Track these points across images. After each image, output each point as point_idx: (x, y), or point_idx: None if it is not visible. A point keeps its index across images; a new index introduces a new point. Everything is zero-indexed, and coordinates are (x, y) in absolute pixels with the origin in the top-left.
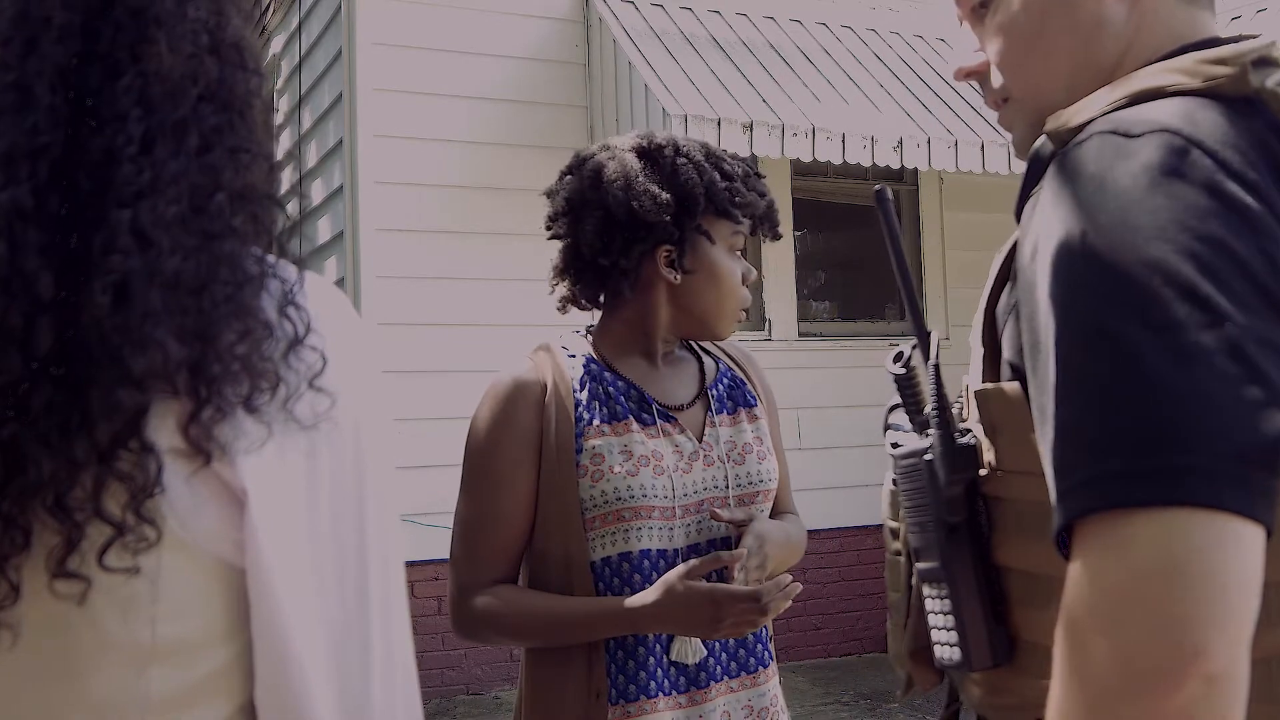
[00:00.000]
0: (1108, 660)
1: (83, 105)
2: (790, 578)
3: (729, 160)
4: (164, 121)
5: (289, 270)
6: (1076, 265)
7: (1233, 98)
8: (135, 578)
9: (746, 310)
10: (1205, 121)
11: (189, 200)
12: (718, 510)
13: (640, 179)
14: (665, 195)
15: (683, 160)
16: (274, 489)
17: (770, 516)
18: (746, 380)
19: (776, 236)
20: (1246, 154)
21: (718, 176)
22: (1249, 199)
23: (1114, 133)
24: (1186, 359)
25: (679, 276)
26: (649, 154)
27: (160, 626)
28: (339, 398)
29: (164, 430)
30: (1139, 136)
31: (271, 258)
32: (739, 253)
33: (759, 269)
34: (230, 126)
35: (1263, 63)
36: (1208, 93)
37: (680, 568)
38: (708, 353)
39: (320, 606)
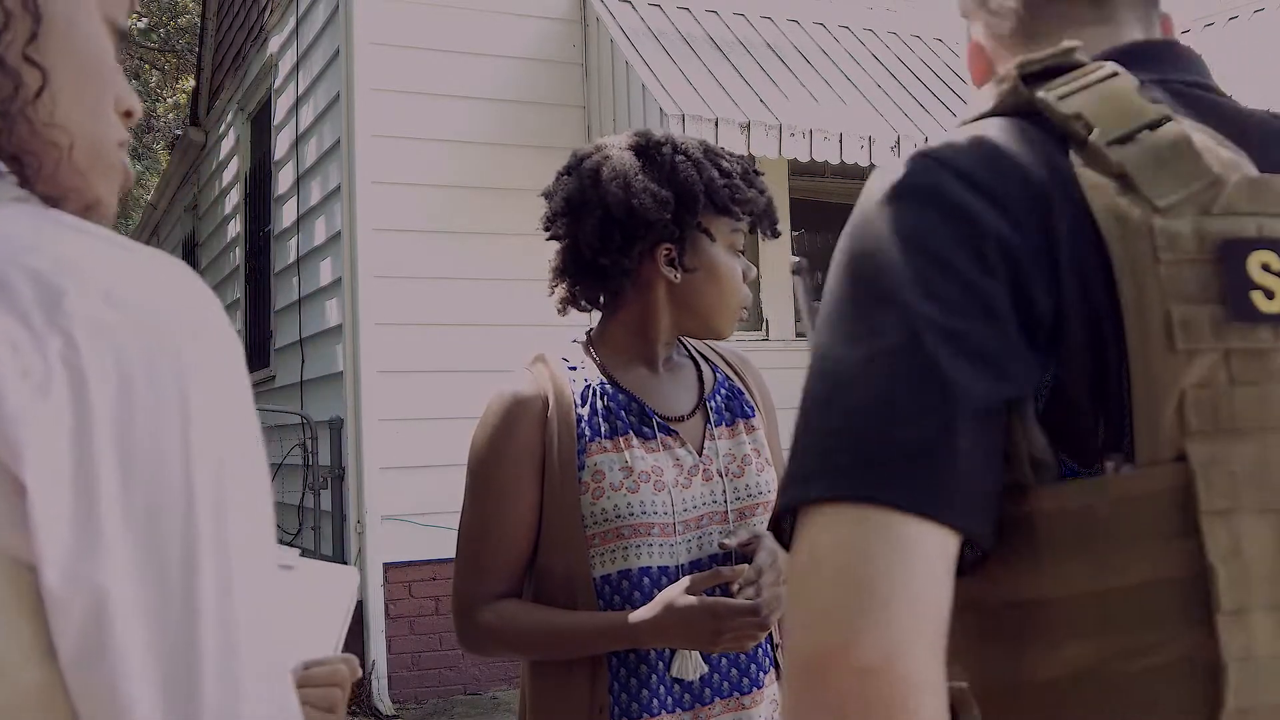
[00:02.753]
0: (787, 652)
1: None
2: (786, 589)
3: (727, 157)
4: None
5: (39, 220)
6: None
7: (1023, 112)
8: None
9: (747, 309)
10: (961, 142)
11: None
12: (725, 540)
13: (639, 177)
14: (665, 193)
15: (681, 158)
16: (57, 475)
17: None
18: (744, 389)
19: (775, 234)
20: (993, 170)
21: (716, 174)
22: (974, 210)
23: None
24: (867, 362)
25: (679, 275)
26: (647, 152)
27: None
28: (142, 373)
29: None
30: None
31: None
32: (739, 251)
33: (756, 269)
34: None
35: (1050, 72)
36: (1000, 111)
37: (680, 582)
38: (706, 360)
39: (133, 617)
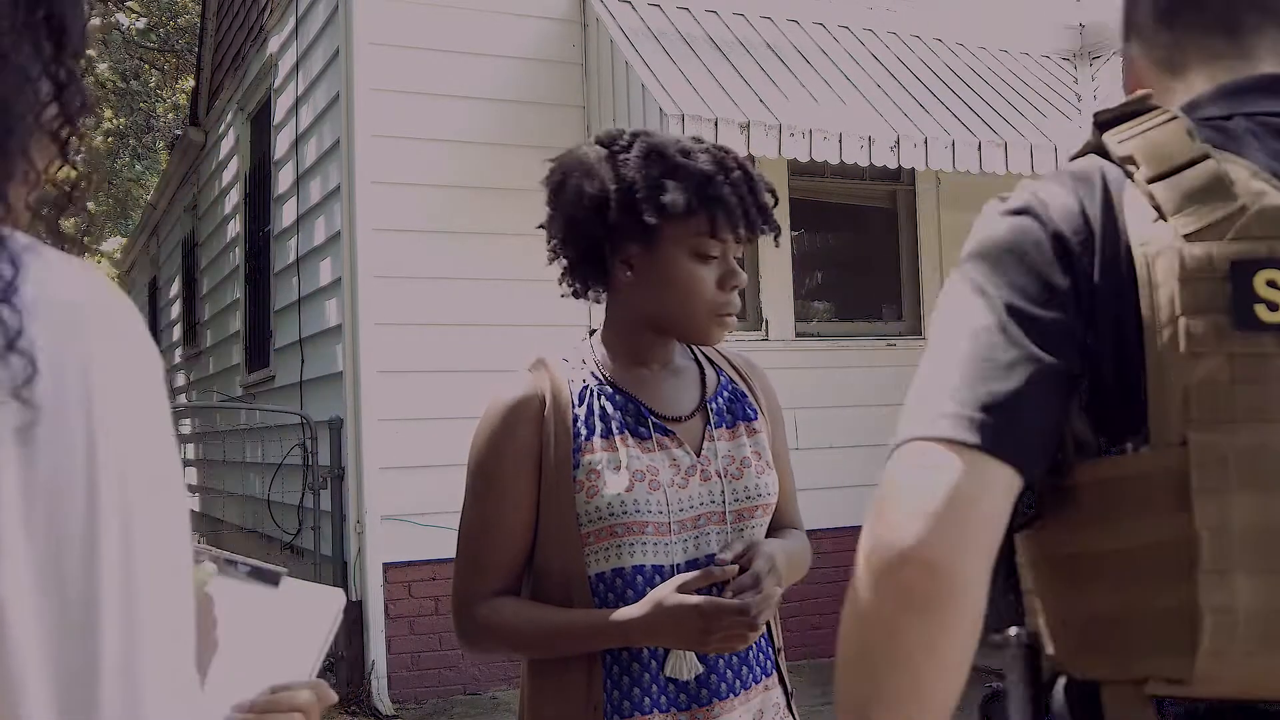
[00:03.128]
0: (860, 553)
1: None
2: (779, 592)
3: (682, 158)
4: None
5: (7, 240)
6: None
7: (1100, 151)
8: None
9: (728, 315)
10: (1047, 183)
11: None
12: (721, 556)
13: (575, 176)
14: (592, 191)
15: (624, 156)
16: None
17: (773, 530)
18: (749, 393)
19: (750, 239)
20: (1060, 204)
21: (655, 173)
22: (1048, 232)
23: None
24: (961, 336)
25: (630, 275)
26: (608, 148)
27: None
28: (52, 389)
29: None
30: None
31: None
32: (711, 256)
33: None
34: None
35: (1123, 118)
36: (1086, 151)
37: (671, 581)
38: (711, 362)
39: (29, 632)
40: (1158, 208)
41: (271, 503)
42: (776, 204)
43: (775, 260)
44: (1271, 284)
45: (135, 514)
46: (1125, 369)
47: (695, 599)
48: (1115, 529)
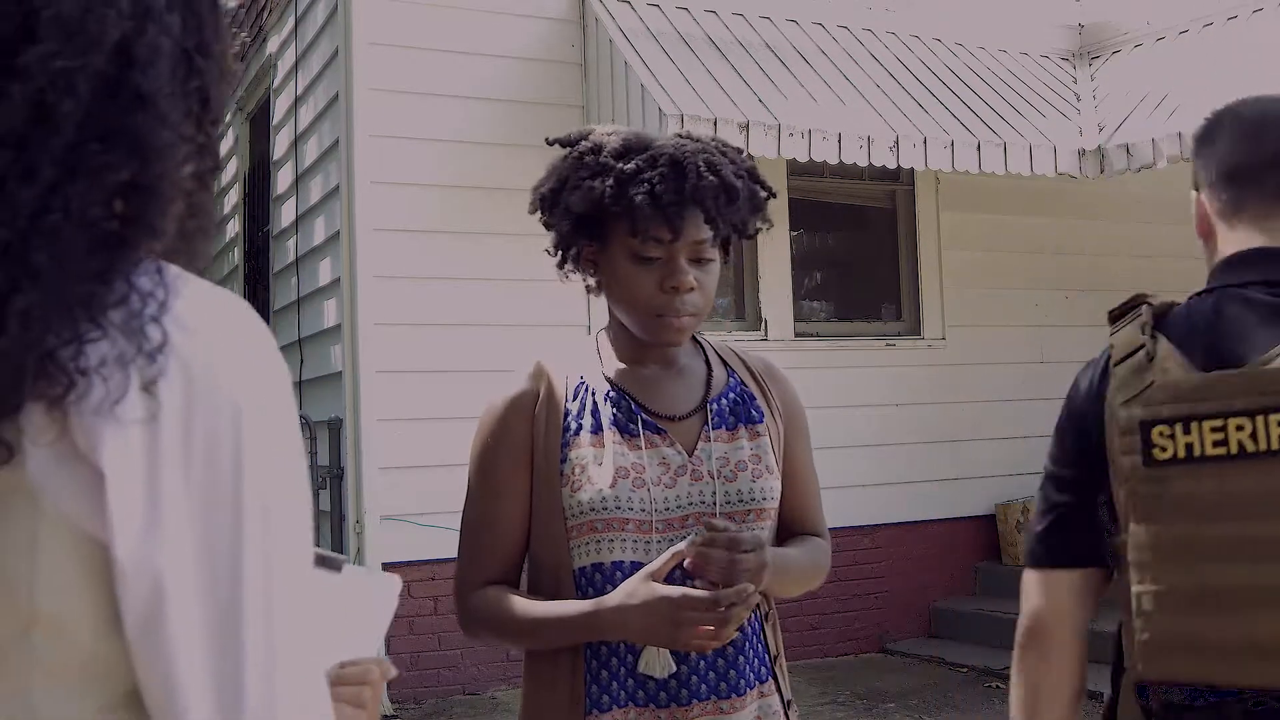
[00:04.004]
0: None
1: None
2: (752, 587)
3: (631, 156)
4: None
5: (163, 271)
6: None
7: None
8: (14, 548)
9: (671, 317)
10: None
11: (27, 221)
12: (712, 523)
13: (542, 178)
14: (544, 191)
15: (576, 156)
16: (130, 473)
17: (790, 537)
18: (760, 396)
19: (672, 240)
20: (1081, 382)
21: (582, 176)
22: (1070, 406)
23: None
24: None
25: (590, 281)
26: (567, 147)
27: (40, 596)
28: (202, 386)
29: (29, 414)
30: None
31: (154, 261)
32: (651, 258)
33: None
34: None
35: (1122, 315)
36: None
37: (642, 571)
38: (724, 363)
39: (188, 604)
40: (1116, 384)
41: None
42: (761, 197)
43: (774, 260)
44: (1161, 434)
45: (272, 501)
46: (1107, 488)
47: (666, 588)
48: (1119, 578)
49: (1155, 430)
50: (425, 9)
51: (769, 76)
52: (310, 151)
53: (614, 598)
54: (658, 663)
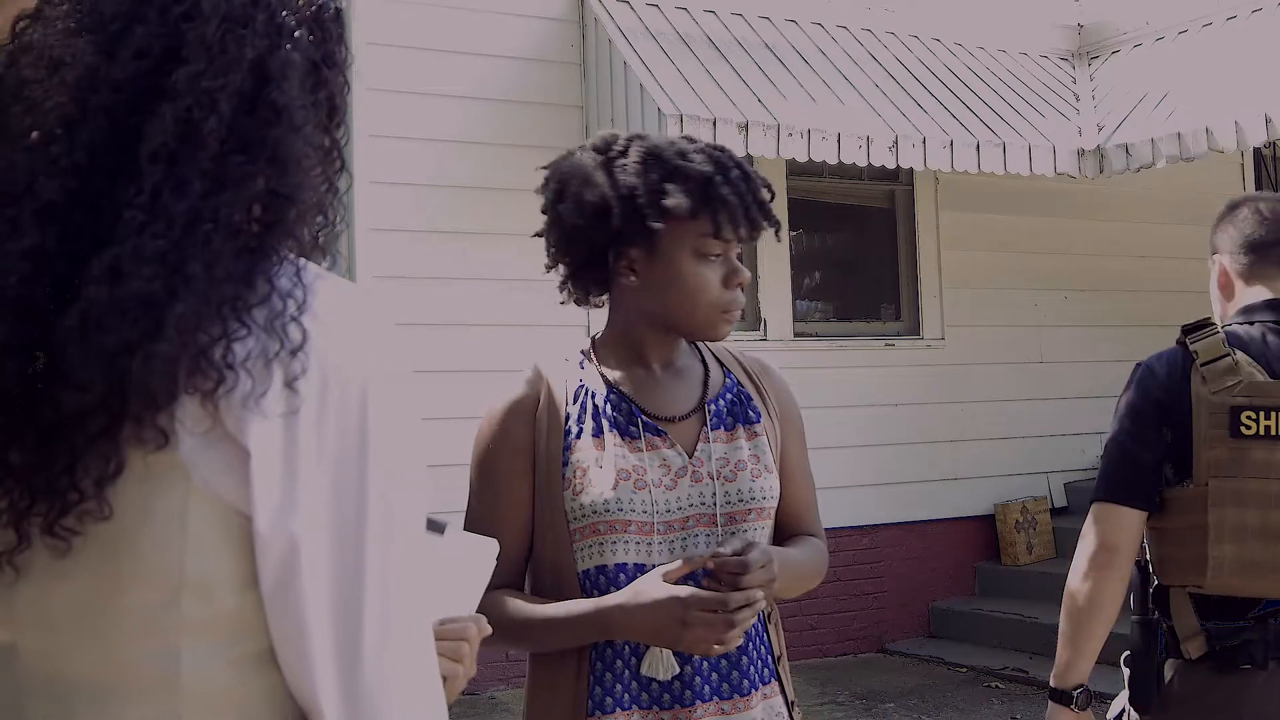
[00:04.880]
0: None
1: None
2: (760, 593)
3: (679, 159)
4: (177, 173)
5: (302, 271)
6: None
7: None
8: (168, 519)
9: (734, 311)
10: (1156, 361)
11: (182, 231)
12: (719, 549)
13: (574, 183)
14: (591, 199)
15: (622, 161)
16: (272, 454)
17: (788, 537)
18: (756, 396)
19: (751, 238)
20: (1161, 371)
21: (655, 177)
22: (1150, 390)
23: None
24: (1114, 443)
25: (635, 280)
26: (601, 154)
27: (189, 561)
28: (335, 378)
29: (184, 405)
30: None
31: (292, 261)
32: (714, 255)
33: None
34: (252, 156)
35: (1195, 329)
36: (1178, 342)
37: (653, 572)
38: (720, 363)
39: (318, 566)
40: (1203, 379)
41: None
42: (773, 199)
43: (774, 260)
44: (1250, 417)
45: (394, 478)
46: (1184, 451)
47: (676, 587)
48: (1183, 518)
49: (1244, 414)
50: (424, 9)
51: (768, 76)
52: None
53: (621, 596)
54: (661, 664)
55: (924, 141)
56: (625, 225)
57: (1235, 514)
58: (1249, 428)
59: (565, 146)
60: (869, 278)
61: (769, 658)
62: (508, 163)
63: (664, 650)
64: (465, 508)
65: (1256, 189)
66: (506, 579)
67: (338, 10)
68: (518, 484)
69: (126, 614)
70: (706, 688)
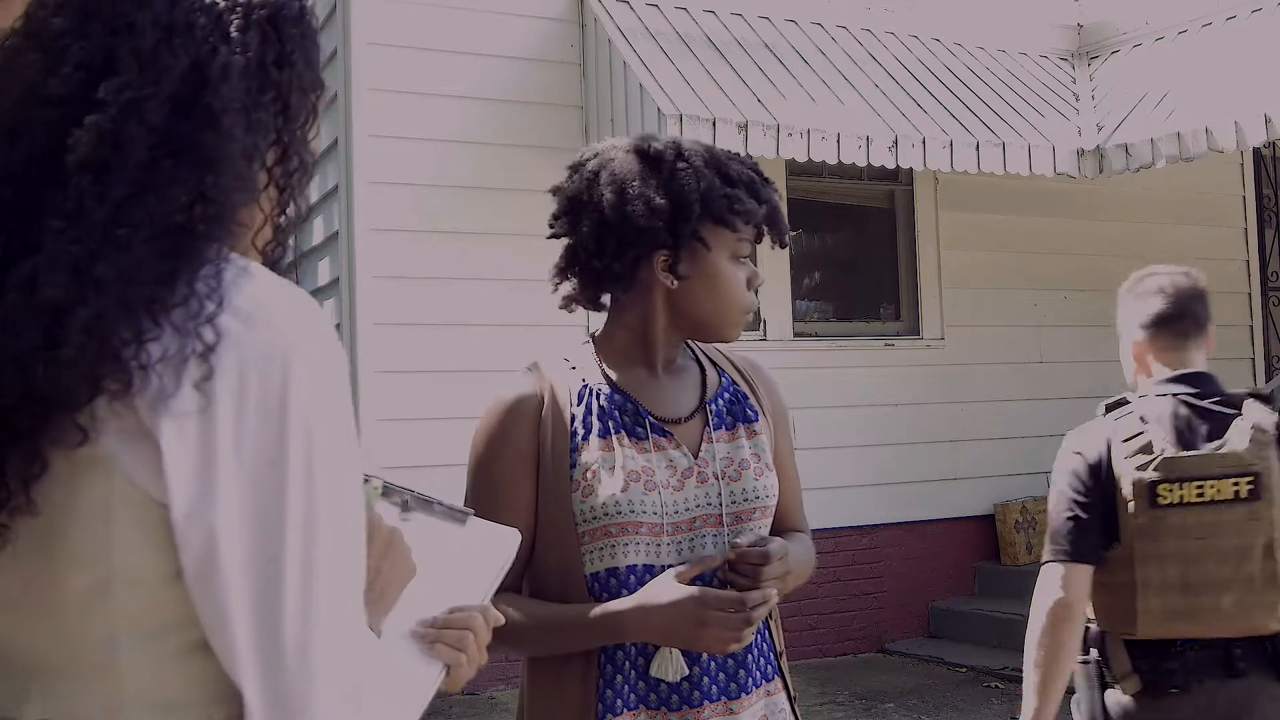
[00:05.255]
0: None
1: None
2: (775, 591)
3: (734, 164)
4: (119, 166)
5: (229, 269)
6: None
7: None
8: (94, 513)
9: (750, 313)
10: (1082, 436)
11: (99, 237)
12: (734, 542)
13: (636, 184)
14: (660, 201)
15: (683, 165)
16: (188, 448)
17: (776, 533)
18: (751, 394)
19: (784, 244)
20: (1084, 443)
21: (718, 182)
22: (1076, 462)
23: None
24: (1057, 513)
25: (675, 282)
26: (649, 157)
27: (116, 553)
28: (255, 372)
29: (99, 404)
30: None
31: (229, 260)
32: (743, 258)
33: (761, 275)
34: (188, 157)
35: (1115, 406)
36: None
37: (668, 573)
38: (713, 363)
39: (237, 557)
40: (1124, 455)
41: None
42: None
43: (773, 260)
44: (1165, 489)
45: (317, 467)
46: (1111, 517)
47: (693, 587)
48: (1116, 576)
49: (1160, 487)
50: (424, 9)
51: (768, 76)
52: None
53: (637, 598)
54: (670, 666)
55: (923, 141)
56: (692, 227)
57: (1158, 572)
58: (1164, 498)
59: (565, 146)
60: (869, 278)
61: (771, 654)
62: (508, 163)
63: (673, 651)
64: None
65: (1256, 189)
66: (508, 582)
67: (302, 10)
68: (520, 486)
69: (68, 601)
70: (714, 687)
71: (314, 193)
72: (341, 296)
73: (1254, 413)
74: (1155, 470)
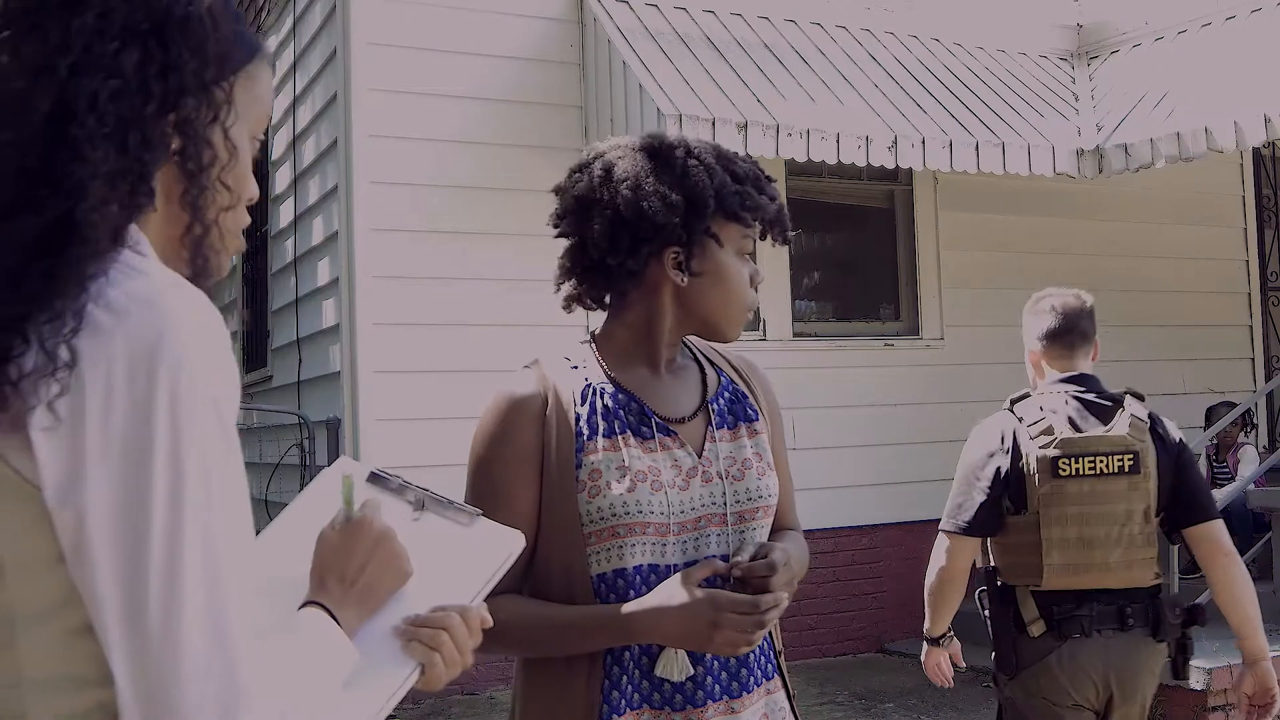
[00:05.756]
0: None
1: None
2: (785, 594)
3: (740, 163)
4: None
5: (109, 274)
6: None
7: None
8: None
9: (751, 311)
10: (992, 425)
11: None
12: (738, 558)
13: (650, 179)
14: (675, 196)
15: (694, 162)
16: (59, 437)
17: (771, 532)
18: (749, 393)
19: (786, 241)
20: (993, 432)
21: (728, 179)
22: (985, 446)
23: None
24: (960, 482)
25: (686, 279)
26: (660, 154)
27: (3, 536)
28: (124, 365)
29: None
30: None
31: (115, 267)
32: (747, 255)
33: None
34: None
35: (1019, 400)
36: (1009, 408)
37: (678, 575)
38: (711, 363)
39: (104, 541)
40: (1029, 436)
41: (269, 503)
42: None
43: (773, 260)
44: (1064, 463)
45: (184, 456)
46: (1020, 489)
47: (709, 590)
48: (1017, 537)
49: (1060, 461)
50: (423, 9)
51: (767, 76)
52: (308, 151)
53: (650, 600)
54: (675, 666)
55: (923, 141)
56: (705, 223)
57: (1059, 531)
58: (1064, 470)
59: (565, 146)
60: (868, 278)
61: (771, 653)
62: (507, 162)
63: (678, 651)
64: None
65: (1256, 189)
66: (509, 585)
67: (189, 13)
68: (523, 487)
69: None
70: (716, 687)
71: (314, 193)
72: (341, 296)
73: (1132, 406)
74: (1056, 448)
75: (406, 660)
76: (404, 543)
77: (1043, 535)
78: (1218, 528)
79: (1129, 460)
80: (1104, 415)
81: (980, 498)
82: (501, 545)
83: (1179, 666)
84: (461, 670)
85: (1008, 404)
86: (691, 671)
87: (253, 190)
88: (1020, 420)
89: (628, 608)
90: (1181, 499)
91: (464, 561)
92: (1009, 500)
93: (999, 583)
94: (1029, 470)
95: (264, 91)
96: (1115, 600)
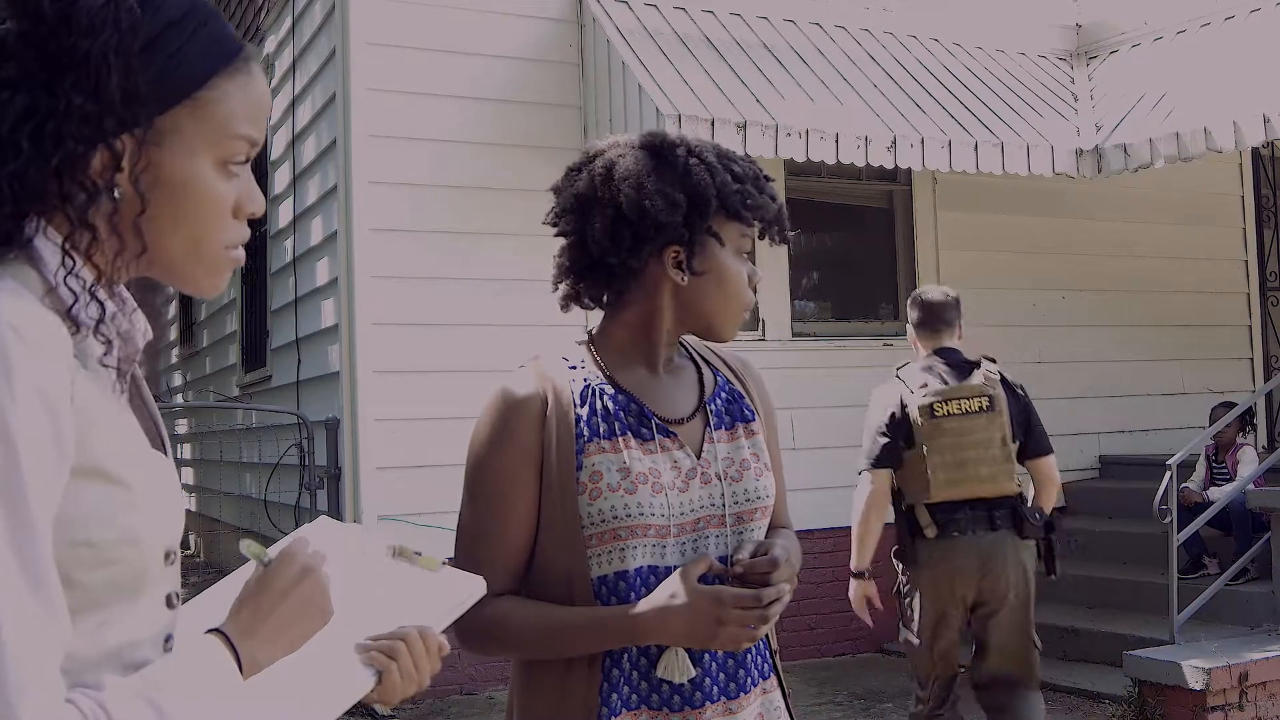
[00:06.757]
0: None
1: None
2: (788, 587)
3: (740, 162)
4: None
5: None
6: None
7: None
8: None
9: (748, 311)
10: (887, 388)
11: None
12: (739, 557)
13: (653, 178)
14: (678, 195)
15: (695, 160)
16: None
17: (767, 531)
18: (745, 393)
19: (785, 240)
20: (889, 395)
21: (729, 178)
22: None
23: None
24: (866, 434)
25: (686, 278)
26: (660, 153)
27: None
28: None
29: None
30: None
31: None
32: (746, 255)
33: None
34: None
35: (901, 369)
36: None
37: (678, 572)
38: (707, 363)
39: None
40: (911, 391)
41: (268, 503)
42: None
43: (772, 260)
44: (939, 406)
45: None
46: (908, 431)
47: (712, 587)
48: (911, 467)
49: (935, 404)
50: (423, 9)
51: (766, 77)
52: (308, 151)
53: (653, 600)
54: (677, 667)
55: (922, 142)
56: (708, 222)
57: (939, 457)
58: (939, 412)
59: (564, 146)
60: (867, 277)
61: (767, 653)
62: (506, 162)
63: (679, 652)
64: (459, 511)
65: (1255, 189)
66: (508, 586)
67: (89, 53)
68: (523, 488)
69: None
70: (715, 688)
71: (313, 192)
72: (340, 296)
73: (986, 366)
74: (932, 396)
75: (363, 670)
76: (373, 575)
77: (928, 461)
78: (1050, 461)
79: (985, 401)
80: (965, 373)
81: (884, 440)
82: (465, 588)
83: (1051, 564)
84: (418, 689)
85: (894, 372)
86: (694, 673)
87: (255, 205)
88: (905, 383)
89: (630, 609)
90: (1032, 437)
91: (429, 597)
92: (903, 440)
93: (903, 504)
94: (914, 416)
95: (237, 108)
96: (985, 508)
